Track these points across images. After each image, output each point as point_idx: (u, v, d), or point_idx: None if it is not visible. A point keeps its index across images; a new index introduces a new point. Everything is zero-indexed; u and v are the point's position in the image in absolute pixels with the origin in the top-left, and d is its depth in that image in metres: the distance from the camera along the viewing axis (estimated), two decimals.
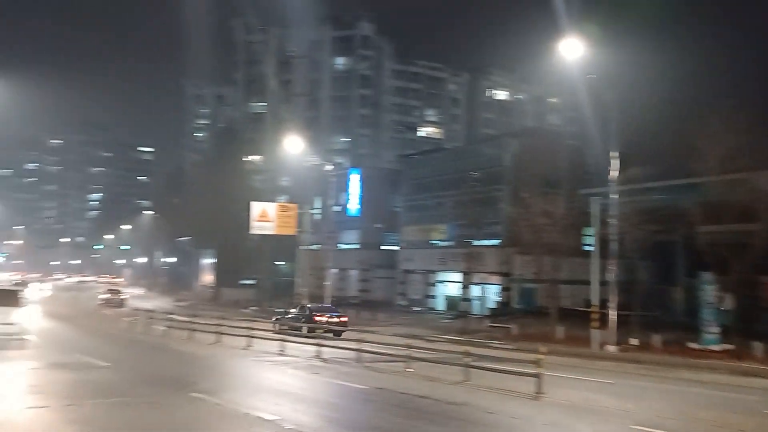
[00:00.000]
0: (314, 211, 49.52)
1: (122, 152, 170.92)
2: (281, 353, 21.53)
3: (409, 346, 18.92)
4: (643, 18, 45.95)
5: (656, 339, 24.72)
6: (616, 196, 25.57)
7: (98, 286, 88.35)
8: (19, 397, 12.69)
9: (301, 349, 21.84)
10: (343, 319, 30.90)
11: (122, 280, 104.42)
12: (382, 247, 60.07)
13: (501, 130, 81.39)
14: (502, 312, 40.92)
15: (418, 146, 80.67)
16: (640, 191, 29.62)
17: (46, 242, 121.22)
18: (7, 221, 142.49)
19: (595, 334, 24.89)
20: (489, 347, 22.70)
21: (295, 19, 78.63)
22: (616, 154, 25.27)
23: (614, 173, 25.39)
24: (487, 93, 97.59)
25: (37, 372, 16.27)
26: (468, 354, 16.64)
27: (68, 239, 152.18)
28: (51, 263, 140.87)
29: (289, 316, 32.40)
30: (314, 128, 78.00)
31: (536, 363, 14.54)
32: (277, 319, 32.33)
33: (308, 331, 27.59)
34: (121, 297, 53.01)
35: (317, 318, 29.89)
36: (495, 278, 45.26)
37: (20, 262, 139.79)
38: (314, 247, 45.51)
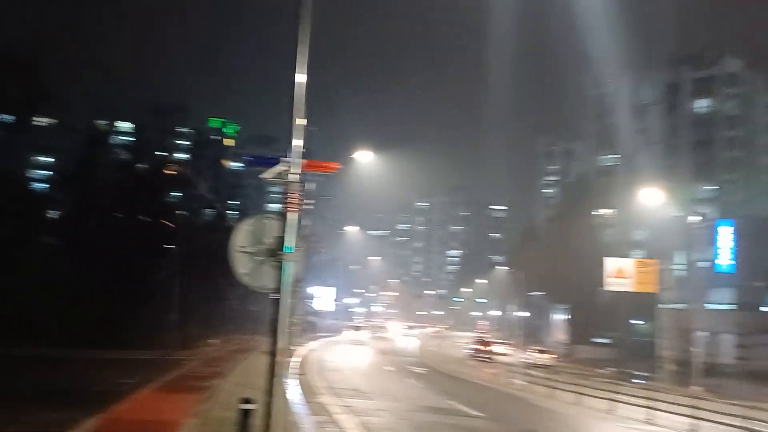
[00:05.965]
0: (676, 267, 45.58)
1: (478, 211, 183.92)
2: (649, 421, 20.04)
3: None
4: None
5: None
6: None
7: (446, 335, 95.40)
8: None
9: (672, 419, 20.00)
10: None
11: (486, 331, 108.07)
12: (762, 309, 52.09)
13: None
14: None
15: None
16: None
17: (414, 294, 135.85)
18: (384, 274, 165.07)
19: None
20: None
21: (649, 65, 75.53)
22: None
23: None
24: None
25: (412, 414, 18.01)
26: None
27: (432, 291, 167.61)
28: (417, 313, 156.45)
29: None
30: (673, 177, 72.54)
31: None
32: None
33: None
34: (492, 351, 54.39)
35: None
36: None
37: (394, 311, 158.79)
38: (678, 306, 41.75)
